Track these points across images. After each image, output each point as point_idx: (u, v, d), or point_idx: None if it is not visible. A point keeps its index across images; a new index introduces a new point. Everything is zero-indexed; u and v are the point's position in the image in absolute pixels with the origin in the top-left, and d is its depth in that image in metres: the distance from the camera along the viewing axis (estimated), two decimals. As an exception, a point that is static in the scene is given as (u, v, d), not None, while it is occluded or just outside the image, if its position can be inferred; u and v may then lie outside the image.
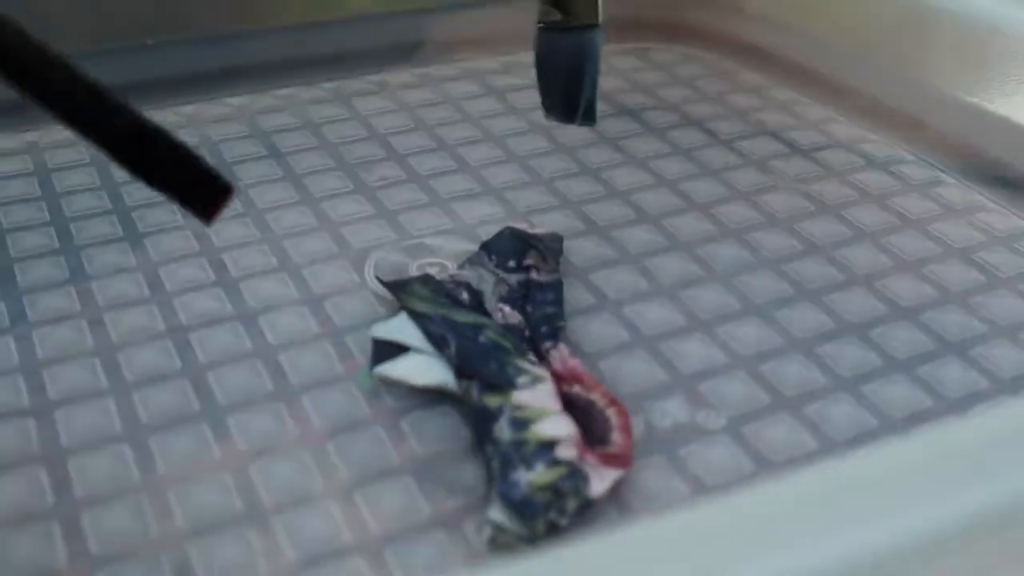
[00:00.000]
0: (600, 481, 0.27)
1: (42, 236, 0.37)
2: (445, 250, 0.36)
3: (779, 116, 0.46)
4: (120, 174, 0.40)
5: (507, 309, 0.32)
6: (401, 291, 0.32)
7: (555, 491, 0.26)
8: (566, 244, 0.37)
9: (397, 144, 0.43)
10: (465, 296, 0.33)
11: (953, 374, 0.32)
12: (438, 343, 0.30)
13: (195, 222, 0.37)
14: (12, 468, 0.28)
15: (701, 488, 0.28)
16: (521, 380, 0.29)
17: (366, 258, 0.36)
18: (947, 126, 0.44)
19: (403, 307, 0.32)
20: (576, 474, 0.27)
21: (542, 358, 0.31)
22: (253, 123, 0.44)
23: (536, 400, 0.29)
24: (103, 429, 0.29)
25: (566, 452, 0.27)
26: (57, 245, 0.36)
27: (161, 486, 0.27)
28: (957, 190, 0.41)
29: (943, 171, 0.42)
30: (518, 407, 0.28)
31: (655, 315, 0.34)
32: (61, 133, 0.41)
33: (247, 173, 0.41)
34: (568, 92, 0.36)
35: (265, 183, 0.40)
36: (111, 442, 0.29)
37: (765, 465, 0.29)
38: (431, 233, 0.37)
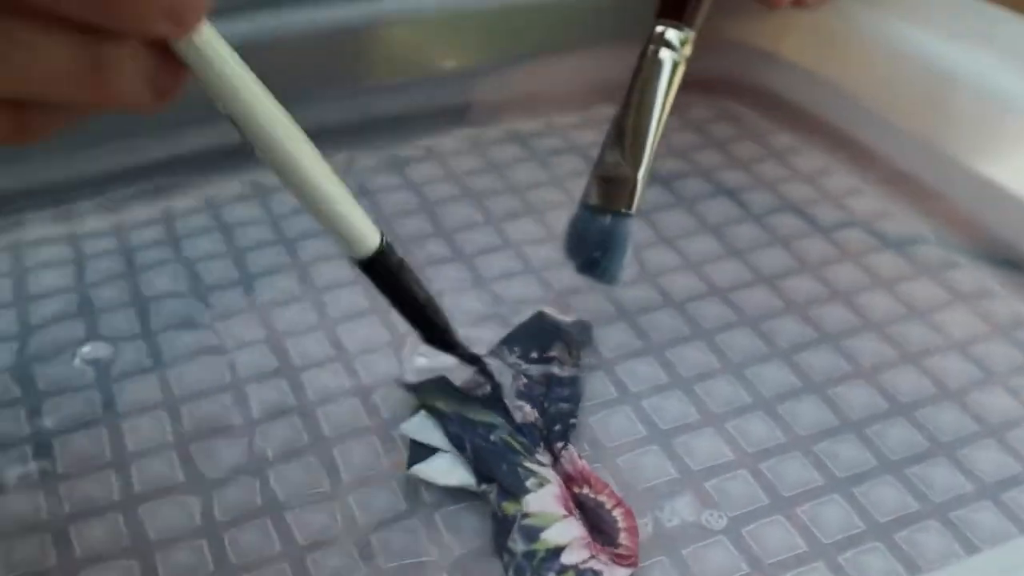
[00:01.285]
0: None
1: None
2: (483, 340, 0.39)
3: (805, 188, 0.49)
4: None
5: (527, 408, 0.36)
6: (420, 392, 0.36)
7: None
8: (596, 331, 0.40)
9: (444, 217, 0.47)
10: (488, 389, 0.36)
11: (940, 476, 0.35)
12: (456, 443, 0.34)
13: (260, 308, 0.41)
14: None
15: (701, 589, 0.32)
16: (530, 483, 0.33)
17: (407, 346, 0.40)
18: (965, 203, 0.47)
19: (422, 405, 0.35)
20: (584, 574, 0.31)
21: (555, 456, 0.34)
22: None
23: (543, 506, 0.32)
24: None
25: (572, 557, 0.31)
26: (138, 329, 0.41)
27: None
28: (969, 273, 0.44)
29: (957, 252, 0.45)
30: (528, 515, 0.32)
31: (672, 409, 0.37)
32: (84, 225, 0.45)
33: (307, 251, 0.45)
34: (590, 266, 0.38)
35: (321, 260, 0.44)
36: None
37: (758, 567, 0.32)
38: (472, 320, 0.41)
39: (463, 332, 0.39)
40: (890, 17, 0.50)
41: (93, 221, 0.46)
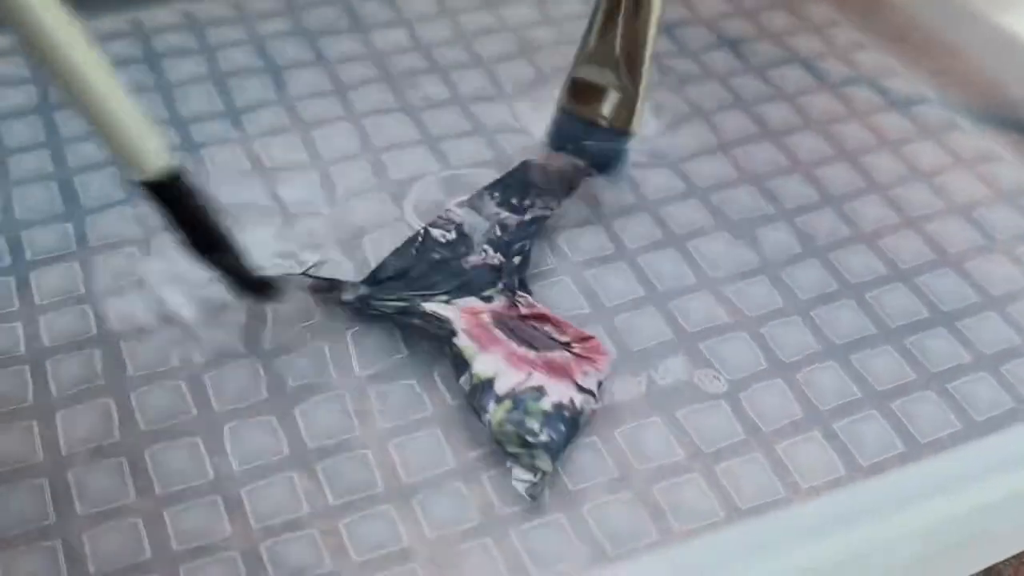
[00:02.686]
0: (558, 390, 0.31)
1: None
2: (475, 185, 0.38)
3: (812, 41, 0.47)
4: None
5: (490, 251, 0.35)
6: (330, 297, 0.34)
7: (513, 423, 0.30)
8: (595, 186, 0.39)
9: (439, 57, 0.45)
10: (453, 235, 0.35)
11: (939, 345, 0.35)
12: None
13: (246, 137, 0.39)
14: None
15: (697, 453, 0.31)
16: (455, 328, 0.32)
17: (407, 191, 0.38)
18: (975, 59, 0.45)
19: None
20: (520, 401, 0.30)
21: (512, 292, 0.34)
22: (298, 20, 0.46)
23: (463, 342, 0.32)
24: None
25: (504, 385, 0.31)
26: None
27: (218, 424, 0.31)
28: (972, 136, 0.42)
29: (961, 113, 0.44)
30: (458, 348, 0.32)
31: (668, 269, 0.36)
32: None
33: (295, 81, 0.43)
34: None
35: (313, 97, 0.42)
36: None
37: (755, 432, 0.32)
38: (471, 164, 0.40)
39: (466, 174, 0.38)
40: None
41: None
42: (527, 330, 0.33)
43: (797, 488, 0.31)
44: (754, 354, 0.34)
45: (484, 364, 0.31)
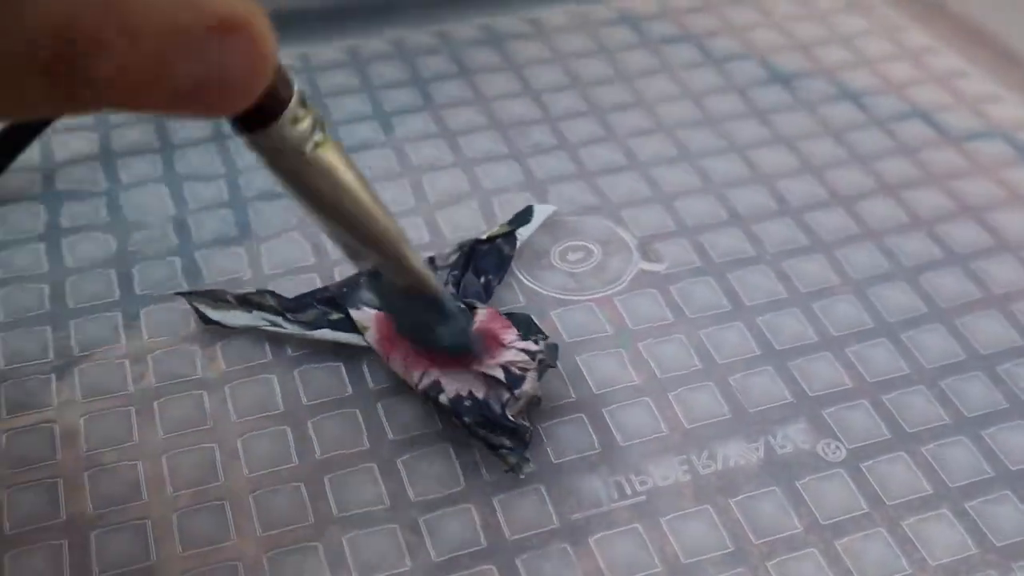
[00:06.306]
0: (454, 384, 0.30)
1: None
2: (586, 231, 0.37)
3: (936, 92, 0.45)
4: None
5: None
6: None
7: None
8: (701, 236, 0.38)
9: (549, 103, 0.44)
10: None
11: (1076, 420, 0.33)
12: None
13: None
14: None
15: (815, 525, 0.30)
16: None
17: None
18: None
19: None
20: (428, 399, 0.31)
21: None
22: (410, 65, 0.46)
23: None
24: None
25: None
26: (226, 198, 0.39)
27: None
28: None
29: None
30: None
31: (788, 328, 0.35)
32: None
33: (403, 125, 0.42)
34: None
35: (420, 140, 0.42)
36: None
37: (878, 506, 0.30)
38: (576, 211, 0.39)
39: (571, 220, 0.37)
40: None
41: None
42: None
43: (924, 565, 0.29)
44: (876, 423, 0.32)
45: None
